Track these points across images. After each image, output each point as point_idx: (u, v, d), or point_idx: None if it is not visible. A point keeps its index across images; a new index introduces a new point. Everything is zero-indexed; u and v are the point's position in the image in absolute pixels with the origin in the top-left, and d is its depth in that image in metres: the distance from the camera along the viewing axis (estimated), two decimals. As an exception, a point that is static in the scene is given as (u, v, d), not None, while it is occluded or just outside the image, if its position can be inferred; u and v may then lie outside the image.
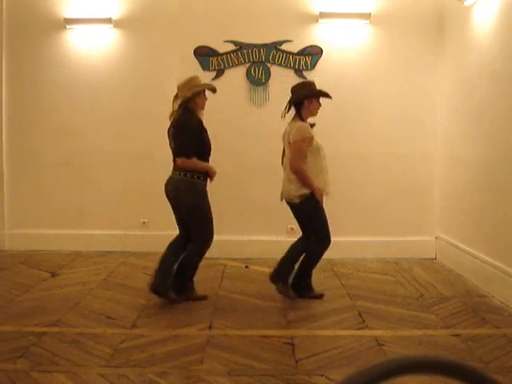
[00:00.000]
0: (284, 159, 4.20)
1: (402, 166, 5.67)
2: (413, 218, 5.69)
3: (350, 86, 5.57)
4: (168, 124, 4.11)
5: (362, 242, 5.63)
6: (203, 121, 4.06)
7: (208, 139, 4.06)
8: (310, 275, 4.24)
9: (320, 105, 4.13)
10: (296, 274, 4.19)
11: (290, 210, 4.19)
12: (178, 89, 4.04)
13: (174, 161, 4.07)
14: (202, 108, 4.10)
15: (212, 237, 4.09)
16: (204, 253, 4.10)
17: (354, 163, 5.63)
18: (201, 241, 4.07)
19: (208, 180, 4.08)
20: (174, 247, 4.14)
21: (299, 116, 4.07)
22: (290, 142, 4.03)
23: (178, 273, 4.05)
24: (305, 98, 4.03)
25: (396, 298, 4.28)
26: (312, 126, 4.10)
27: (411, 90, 5.61)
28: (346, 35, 5.60)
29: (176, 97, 4.05)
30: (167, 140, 4.14)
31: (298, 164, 3.97)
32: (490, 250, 4.42)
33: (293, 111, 4.14)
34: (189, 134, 3.95)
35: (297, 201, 4.03)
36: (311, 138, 3.97)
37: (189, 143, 3.95)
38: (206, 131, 4.05)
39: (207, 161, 4.08)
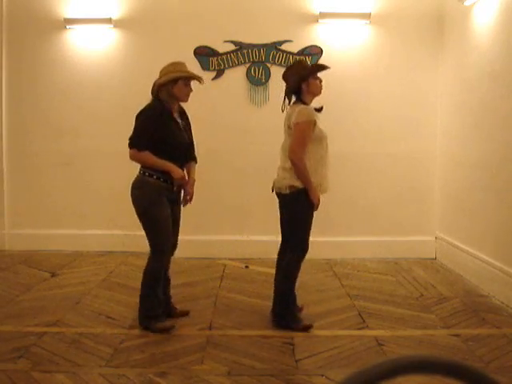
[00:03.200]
0: (282, 144, 3.63)
1: (402, 166, 5.67)
2: (413, 218, 5.69)
3: (350, 86, 5.57)
4: None
5: (362, 242, 5.63)
6: (188, 116, 3.70)
7: (175, 135, 3.45)
8: (293, 298, 3.63)
9: (321, 81, 3.56)
10: (275, 300, 3.62)
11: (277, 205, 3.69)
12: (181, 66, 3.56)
13: None
14: (181, 100, 3.51)
15: (165, 252, 3.50)
16: (158, 271, 3.51)
17: (353, 163, 5.63)
18: (153, 253, 3.51)
19: (172, 184, 3.45)
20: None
21: (301, 101, 3.52)
22: (289, 127, 3.47)
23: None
24: (301, 82, 3.48)
25: (396, 298, 4.28)
26: (319, 110, 3.56)
27: (411, 90, 5.61)
28: (346, 35, 5.60)
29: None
30: None
31: (298, 151, 3.37)
32: (490, 250, 4.42)
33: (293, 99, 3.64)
34: (144, 123, 3.39)
35: (287, 191, 3.46)
36: (315, 122, 3.41)
37: (142, 133, 3.38)
38: (176, 125, 3.49)
39: (173, 160, 3.44)
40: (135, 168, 3.53)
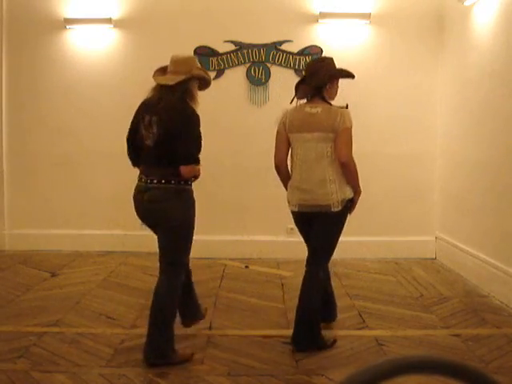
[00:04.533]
0: (300, 156, 3.21)
1: (403, 165, 5.67)
2: (413, 218, 5.69)
3: (349, 86, 5.54)
4: None
5: (362, 242, 5.63)
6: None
7: None
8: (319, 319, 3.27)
9: (338, 86, 3.36)
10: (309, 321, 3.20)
11: (303, 221, 3.32)
12: (175, 63, 3.02)
13: (151, 161, 2.93)
14: (194, 101, 3.03)
15: (186, 264, 3.20)
16: (178, 288, 3.05)
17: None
18: (175, 267, 3.06)
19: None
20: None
21: (323, 99, 3.23)
22: (332, 130, 3.12)
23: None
24: (328, 79, 3.23)
25: (396, 298, 4.28)
26: (346, 107, 3.27)
27: (411, 90, 5.61)
28: (346, 35, 5.60)
29: (167, 72, 3.02)
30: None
31: (351, 155, 3.10)
32: (490, 250, 4.42)
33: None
34: (199, 133, 2.92)
35: (338, 208, 3.12)
36: None
37: (200, 145, 2.93)
38: None
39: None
40: (135, 168, 3.50)
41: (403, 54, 5.60)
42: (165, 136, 2.85)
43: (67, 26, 5.60)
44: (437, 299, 4.25)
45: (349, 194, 3.18)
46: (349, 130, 3.11)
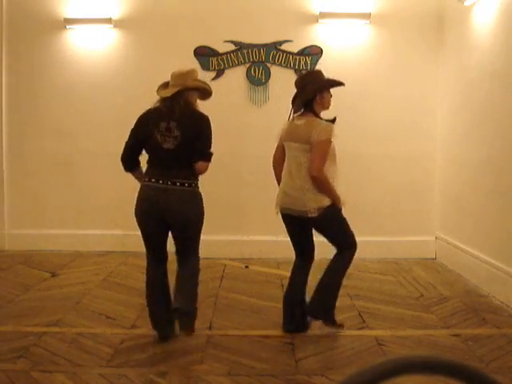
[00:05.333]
0: (288, 162, 3.50)
1: (403, 166, 5.67)
2: (413, 218, 5.69)
3: (349, 86, 5.49)
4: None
5: (362, 242, 5.56)
6: None
7: None
8: (336, 297, 3.57)
9: (331, 95, 3.52)
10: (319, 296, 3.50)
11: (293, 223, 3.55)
12: (173, 77, 3.38)
13: (170, 164, 3.23)
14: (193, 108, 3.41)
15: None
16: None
17: (353, 164, 5.61)
18: (197, 255, 3.48)
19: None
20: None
21: (313, 113, 3.43)
22: (307, 142, 3.32)
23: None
24: (317, 92, 3.41)
25: (396, 298, 4.28)
26: (333, 121, 3.45)
27: (411, 90, 5.61)
28: (346, 35, 5.60)
29: (168, 85, 3.37)
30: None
31: (321, 168, 3.28)
32: (490, 250, 4.42)
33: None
34: (211, 134, 3.31)
35: (314, 214, 3.34)
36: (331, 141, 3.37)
37: (211, 143, 3.32)
38: None
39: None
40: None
41: (403, 54, 5.60)
42: (186, 138, 3.19)
43: (67, 26, 5.60)
44: (437, 299, 4.25)
45: (326, 202, 3.35)
46: (323, 144, 3.28)
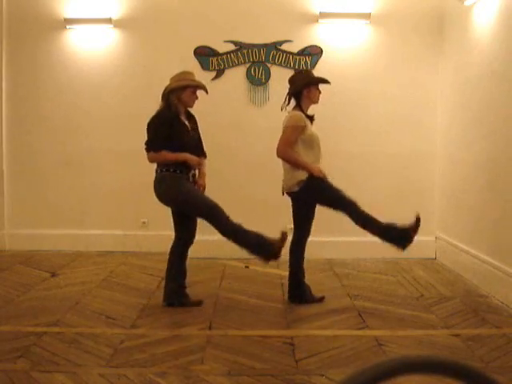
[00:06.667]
0: None
1: (402, 165, 5.66)
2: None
3: (350, 86, 5.56)
4: None
5: (362, 242, 5.62)
6: (196, 119, 4.05)
7: (183, 135, 3.84)
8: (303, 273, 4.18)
9: (320, 92, 4.01)
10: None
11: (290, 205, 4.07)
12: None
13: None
14: (188, 105, 3.95)
15: (217, 206, 3.87)
16: (228, 223, 3.88)
17: (353, 163, 5.62)
18: (211, 216, 3.85)
19: (187, 174, 3.87)
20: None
21: (299, 106, 3.96)
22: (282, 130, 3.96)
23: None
24: (303, 87, 3.93)
25: (396, 298, 4.28)
26: (311, 117, 3.99)
27: (411, 90, 5.61)
28: (346, 35, 5.60)
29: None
30: None
31: (282, 148, 3.83)
32: (490, 250, 4.42)
33: (293, 102, 4.05)
34: (156, 127, 3.81)
35: (296, 188, 3.89)
36: (303, 127, 3.84)
37: (155, 136, 3.80)
38: (183, 127, 3.88)
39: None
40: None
41: (403, 53, 5.60)
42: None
43: (67, 26, 5.60)
44: (437, 299, 4.24)
45: (301, 175, 3.85)
46: (288, 129, 3.86)
